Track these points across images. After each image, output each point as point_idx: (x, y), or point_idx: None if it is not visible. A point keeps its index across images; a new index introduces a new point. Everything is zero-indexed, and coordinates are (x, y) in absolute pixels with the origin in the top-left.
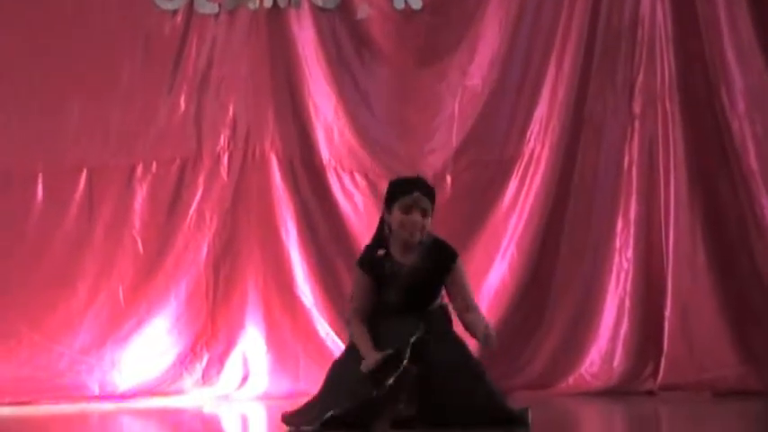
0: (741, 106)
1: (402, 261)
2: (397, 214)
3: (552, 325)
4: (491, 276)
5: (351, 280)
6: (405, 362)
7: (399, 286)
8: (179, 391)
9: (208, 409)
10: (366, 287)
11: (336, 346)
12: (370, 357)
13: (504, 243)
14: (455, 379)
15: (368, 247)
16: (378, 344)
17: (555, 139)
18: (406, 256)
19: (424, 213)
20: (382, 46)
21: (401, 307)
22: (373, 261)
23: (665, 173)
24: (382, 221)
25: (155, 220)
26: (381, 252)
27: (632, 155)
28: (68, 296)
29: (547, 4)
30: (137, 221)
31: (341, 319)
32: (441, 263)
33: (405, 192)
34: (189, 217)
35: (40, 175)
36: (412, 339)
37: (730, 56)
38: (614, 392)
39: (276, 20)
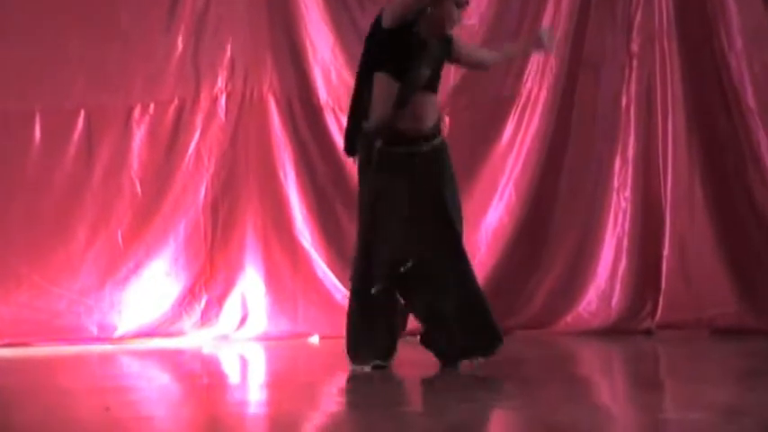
0: (739, 45)
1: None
2: (450, 6)
3: (550, 264)
4: (489, 216)
5: (351, 222)
6: None
7: (430, 60)
8: (178, 333)
9: (207, 349)
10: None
11: (335, 287)
12: None
13: (502, 183)
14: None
15: None
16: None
17: (552, 79)
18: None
19: (464, 11)
20: None
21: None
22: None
23: (662, 112)
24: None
25: (153, 161)
26: None
27: (630, 94)
28: (67, 238)
29: None
30: (135, 163)
31: (340, 260)
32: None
33: None
34: (187, 158)
35: (38, 115)
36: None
37: None
38: (612, 331)
39: None
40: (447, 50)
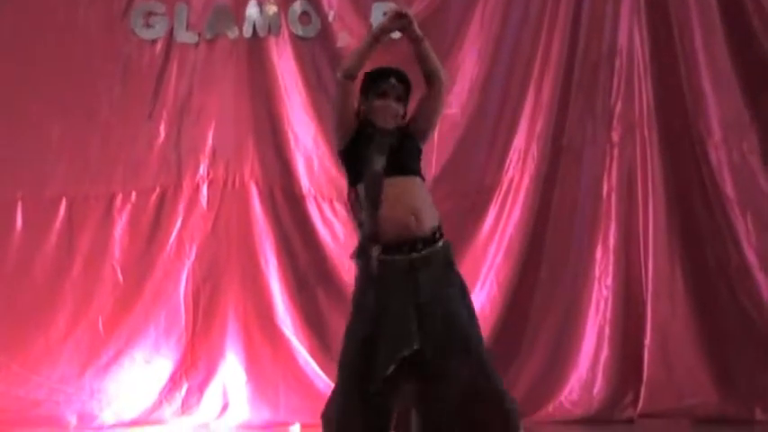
0: (718, 135)
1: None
2: (373, 102)
3: (532, 353)
4: None
5: (332, 310)
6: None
7: (380, 149)
8: (159, 421)
9: None
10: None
11: (317, 375)
12: None
13: (484, 272)
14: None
15: None
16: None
17: (534, 168)
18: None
19: (398, 99)
20: (362, 75)
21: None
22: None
23: (643, 201)
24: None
25: (134, 249)
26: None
27: (611, 183)
28: (47, 325)
29: (525, 33)
30: (116, 250)
31: (322, 348)
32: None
33: (380, 77)
34: (168, 246)
35: (20, 203)
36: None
37: (707, 85)
38: (594, 420)
39: (256, 49)
40: (407, 136)
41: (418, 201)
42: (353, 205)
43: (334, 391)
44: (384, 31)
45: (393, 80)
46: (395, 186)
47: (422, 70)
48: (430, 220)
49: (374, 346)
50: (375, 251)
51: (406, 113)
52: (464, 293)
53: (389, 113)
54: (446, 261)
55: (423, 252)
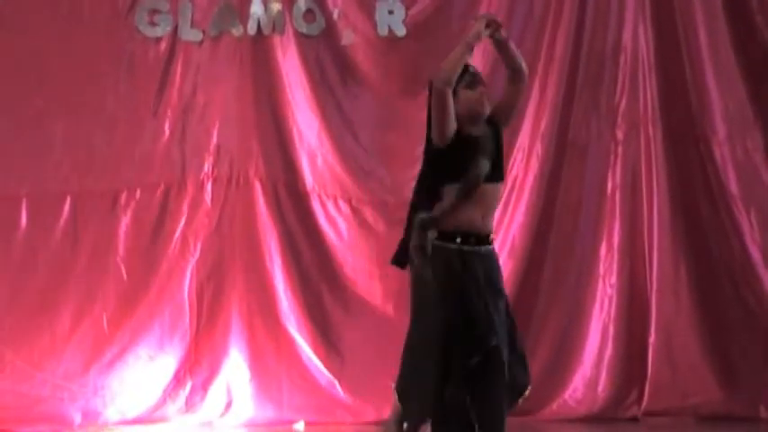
0: (722, 132)
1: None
2: (463, 94)
3: (536, 351)
4: None
5: (336, 307)
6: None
7: (485, 152)
8: (162, 419)
9: None
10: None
11: (320, 372)
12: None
13: None
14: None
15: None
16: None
17: (538, 166)
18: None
19: (484, 85)
20: (366, 72)
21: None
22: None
23: (647, 198)
24: None
25: (139, 246)
26: None
27: (615, 180)
28: (52, 322)
29: (530, 30)
30: (121, 248)
31: (325, 345)
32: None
33: (464, 72)
34: (173, 243)
35: (24, 200)
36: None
37: (711, 82)
38: (598, 418)
39: (260, 46)
40: (495, 128)
41: (494, 204)
42: (416, 206)
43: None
44: (478, 37)
45: (475, 71)
46: (486, 191)
47: (508, 68)
48: (490, 224)
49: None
50: (431, 234)
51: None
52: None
53: (483, 102)
54: (493, 263)
55: (474, 247)
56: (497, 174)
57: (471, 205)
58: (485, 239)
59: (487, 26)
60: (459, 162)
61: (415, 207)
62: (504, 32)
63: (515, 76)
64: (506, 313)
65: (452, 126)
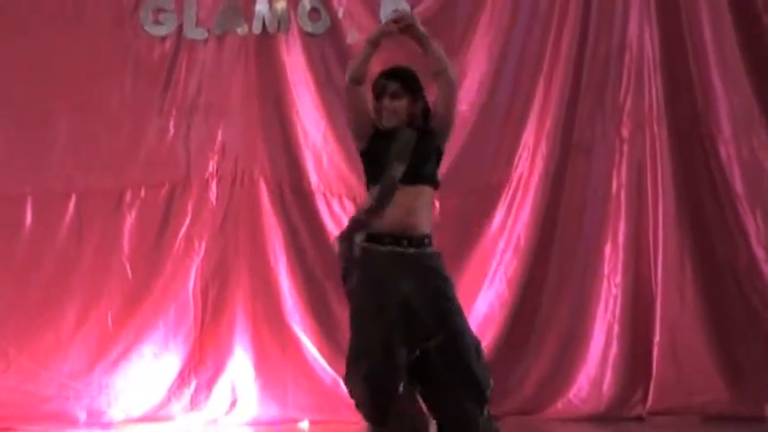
0: (727, 131)
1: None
2: (375, 104)
3: (541, 350)
4: (479, 302)
5: (341, 306)
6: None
7: (400, 156)
8: (167, 417)
9: None
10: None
11: (325, 371)
12: None
13: (492, 269)
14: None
15: None
16: None
17: (543, 165)
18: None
19: (394, 96)
20: (371, 71)
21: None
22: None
23: (653, 197)
24: None
25: (143, 245)
26: None
27: (621, 179)
28: (57, 321)
29: (535, 29)
30: (125, 246)
31: (330, 344)
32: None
33: (375, 81)
34: (177, 242)
35: (29, 198)
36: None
37: (717, 80)
38: (603, 418)
39: (265, 45)
40: (425, 139)
41: (418, 204)
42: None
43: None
44: (383, 34)
45: (383, 80)
46: (405, 195)
47: (430, 70)
48: (423, 225)
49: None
50: (359, 237)
51: (425, 107)
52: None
53: (388, 112)
54: (431, 265)
55: (409, 249)
56: (416, 176)
57: (395, 207)
58: (416, 242)
59: (397, 22)
60: (377, 162)
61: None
62: (420, 29)
63: (436, 77)
64: (443, 315)
65: (361, 127)
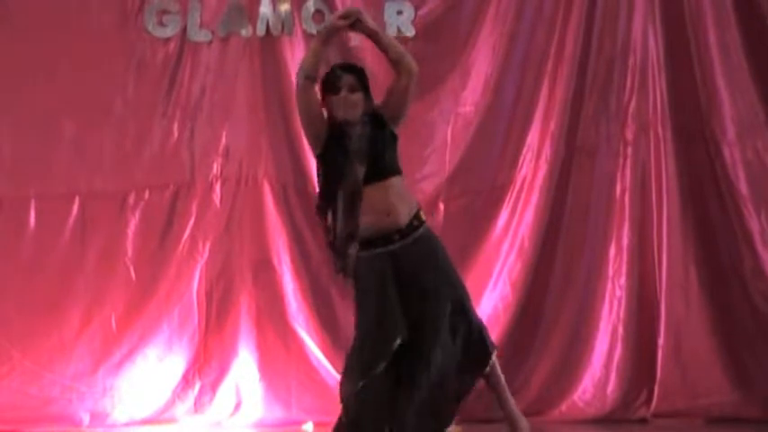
0: (732, 133)
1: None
2: (328, 98)
3: (545, 352)
4: (483, 304)
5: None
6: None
7: (358, 155)
8: (171, 420)
9: None
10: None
11: (329, 373)
12: None
13: (497, 270)
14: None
15: None
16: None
17: (547, 166)
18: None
19: (352, 89)
20: (375, 73)
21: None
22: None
23: (657, 199)
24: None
25: (147, 247)
26: None
27: (625, 182)
28: (61, 323)
29: (539, 30)
30: (129, 248)
31: (334, 347)
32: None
33: (327, 74)
34: (181, 244)
35: (33, 200)
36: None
37: (721, 83)
38: (607, 420)
39: (269, 47)
40: (379, 129)
41: (392, 198)
42: (321, 209)
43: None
44: (331, 30)
45: (338, 72)
46: (372, 192)
47: (388, 60)
48: (406, 212)
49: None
50: (353, 249)
51: (371, 100)
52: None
53: (347, 105)
54: (424, 242)
55: (399, 243)
56: (379, 172)
57: (371, 211)
58: (407, 230)
59: (346, 18)
60: (336, 169)
61: (319, 209)
62: (369, 23)
63: (396, 68)
64: (449, 295)
65: (316, 127)
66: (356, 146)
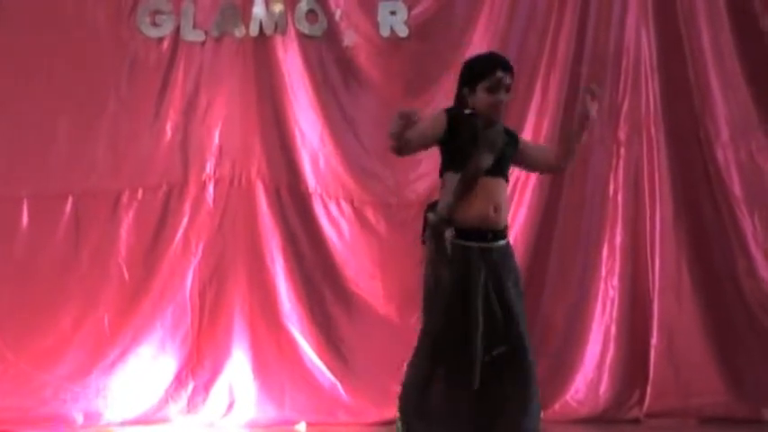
0: (725, 134)
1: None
2: (482, 96)
3: (538, 352)
4: None
5: (338, 308)
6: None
7: (492, 147)
8: (164, 420)
9: None
10: (436, 127)
11: (323, 374)
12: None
13: None
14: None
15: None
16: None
17: None
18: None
19: (508, 90)
20: (368, 73)
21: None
22: (461, 116)
23: (650, 200)
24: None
25: (140, 246)
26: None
27: (618, 182)
28: (54, 323)
29: (532, 32)
30: (122, 248)
31: (328, 347)
32: (511, 136)
33: (489, 71)
34: (175, 244)
35: (26, 200)
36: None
37: (715, 84)
38: (600, 420)
39: (262, 47)
40: (511, 144)
41: (501, 198)
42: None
43: (414, 363)
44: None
45: (500, 73)
46: (488, 184)
47: (561, 145)
48: (504, 216)
49: (462, 326)
50: (449, 233)
51: None
52: (519, 288)
53: (502, 107)
54: (507, 262)
55: (492, 243)
56: (499, 169)
57: (478, 199)
58: (500, 234)
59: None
60: (460, 150)
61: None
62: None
63: (561, 156)
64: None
65: (432, 140)
66: (492, 138)
